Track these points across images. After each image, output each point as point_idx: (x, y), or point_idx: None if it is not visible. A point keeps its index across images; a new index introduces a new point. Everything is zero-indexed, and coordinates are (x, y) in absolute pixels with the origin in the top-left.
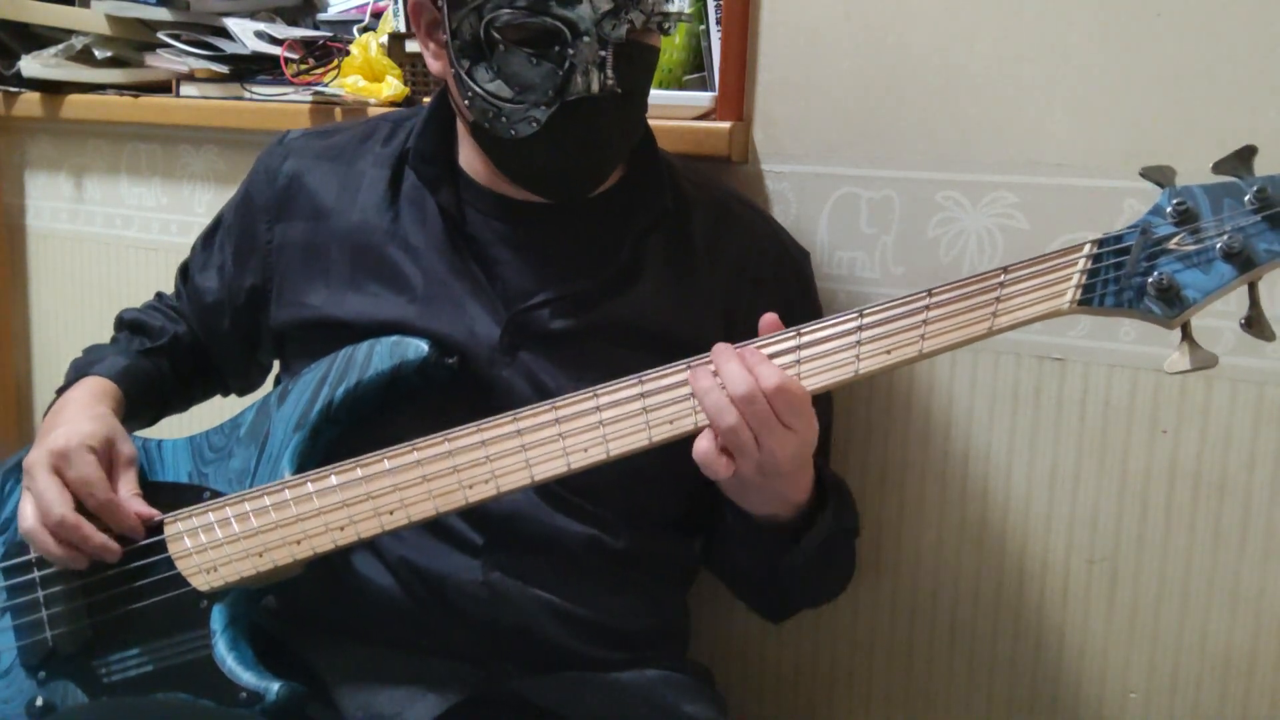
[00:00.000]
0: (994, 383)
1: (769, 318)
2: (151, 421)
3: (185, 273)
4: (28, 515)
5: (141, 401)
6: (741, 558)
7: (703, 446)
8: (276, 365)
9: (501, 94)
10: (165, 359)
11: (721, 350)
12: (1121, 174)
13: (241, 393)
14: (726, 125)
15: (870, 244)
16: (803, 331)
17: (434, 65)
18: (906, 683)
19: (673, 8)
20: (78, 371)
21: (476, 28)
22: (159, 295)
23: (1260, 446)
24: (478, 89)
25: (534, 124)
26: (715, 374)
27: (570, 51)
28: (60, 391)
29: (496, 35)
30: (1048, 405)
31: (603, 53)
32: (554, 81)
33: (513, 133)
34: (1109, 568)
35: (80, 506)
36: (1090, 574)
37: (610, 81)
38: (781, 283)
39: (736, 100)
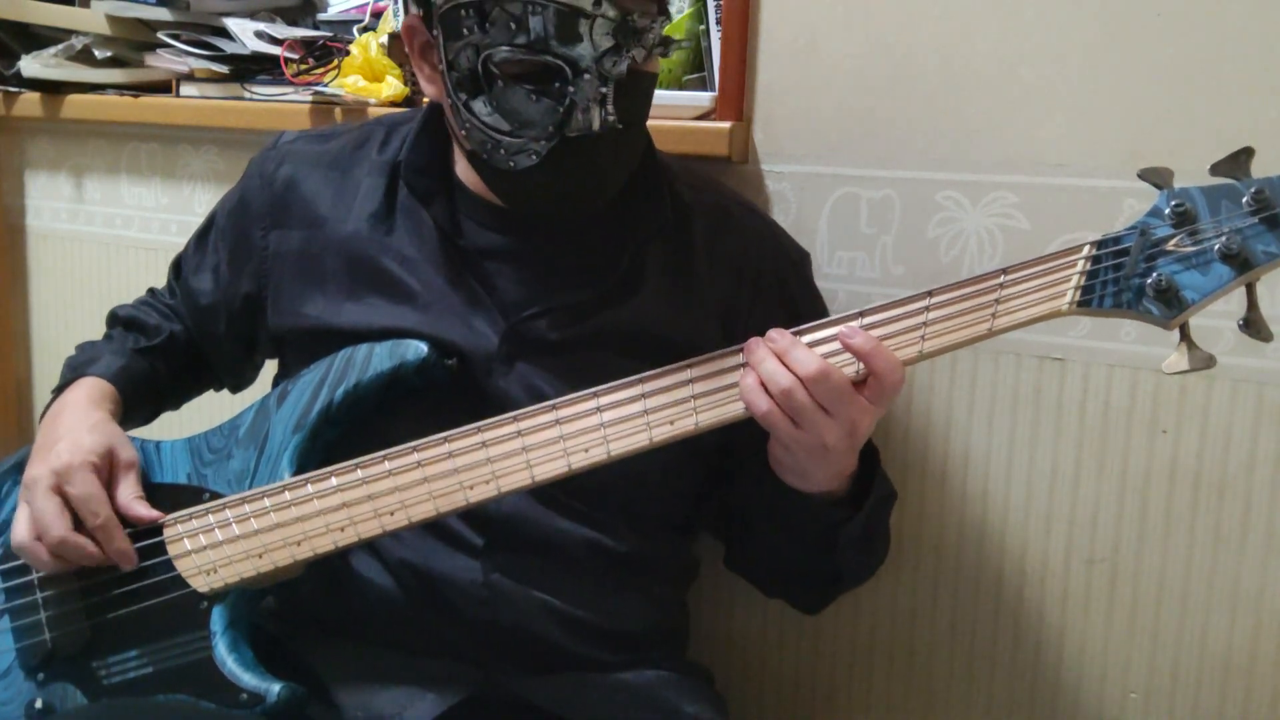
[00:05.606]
0: (994, 383)
1: None
2: (148, 420)
3: (178, 271)
4: (21, 530)
5: (138, 401)
6: (791, 548)
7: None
8: (272, 363)
9: (500, 127)
10: (160, 357)
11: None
12: (1121, 174)
13: (234, 389)
14: (726, 125)
15: (870, 244)
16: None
17: (428, 89)
18: (906, 683)
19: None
20: (74, 371)
21: (474, 62)
22: (152, 291)
23: (1260, 446)
24: (475, 121)
25: (533, 157)
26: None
27: (571, 89)
28: (56, 392)
29: (495, 70)
30: (1048, 406)
31: (604, 89)
32: (554, 118)
33: (511, 164)
34: (1109, 568)
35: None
36: (1090, 574)
37: (611, 118)
38: (781, 285)
39: (736, 100)
